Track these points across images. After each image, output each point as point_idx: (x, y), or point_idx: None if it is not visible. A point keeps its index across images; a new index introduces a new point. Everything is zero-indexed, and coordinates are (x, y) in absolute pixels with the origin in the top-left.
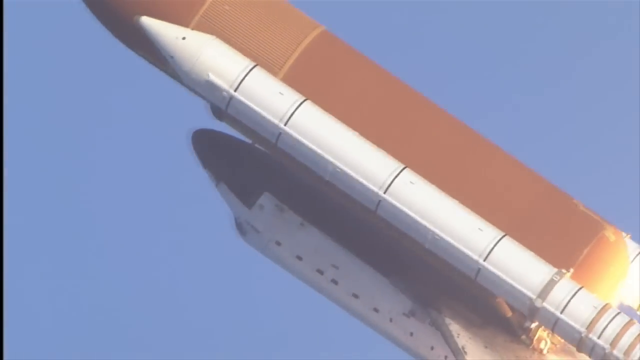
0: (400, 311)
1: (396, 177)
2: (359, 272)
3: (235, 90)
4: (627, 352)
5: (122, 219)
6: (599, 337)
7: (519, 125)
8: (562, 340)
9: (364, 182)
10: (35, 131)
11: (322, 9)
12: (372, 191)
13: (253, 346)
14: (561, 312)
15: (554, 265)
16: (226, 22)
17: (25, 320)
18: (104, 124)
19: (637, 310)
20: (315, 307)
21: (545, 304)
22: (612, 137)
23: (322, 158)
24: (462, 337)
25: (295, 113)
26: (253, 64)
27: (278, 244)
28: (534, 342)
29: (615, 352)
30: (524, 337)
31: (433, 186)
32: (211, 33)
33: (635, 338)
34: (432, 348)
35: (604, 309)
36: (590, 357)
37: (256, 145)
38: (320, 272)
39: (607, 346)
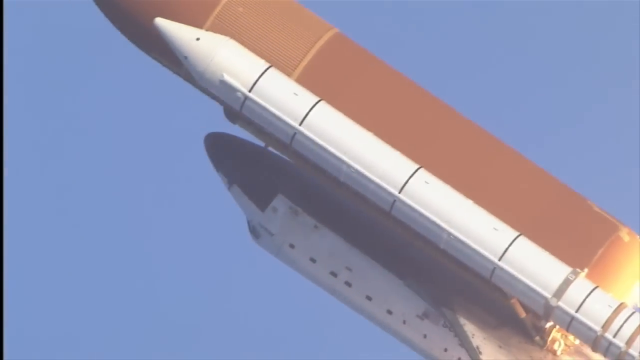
0: (413, 313)
1: (411, 176)
2: (372, 274)
3: (249, 91)
4: None
5: (134, 221)
6: (614, 336)
7: (534, 126)
8: (576, 342)
9: (379, 181)
10: (46, 133)
11: (328, 9)
12: (387, 191)
13: (265, 348)
14: (576, 311)
15: (569, 266)
16: (240, 23)
17: (26, 321)
18: (118, 128)
19: None
20: (328, 310)
21: (560, 303)
22: (629, 139)
23: (337, 158)
24: (476, 337)
25: (310, 113)
26: (268, 64)
27: (292, 246)
28: (548, 343)
29: (631, 350)
30: (537, 338)
31: (448, 186)
32: (225, 34)
33: None
34: (445, 350)
35: (620, 308)
36: (605, 356)
37: (269, 148)
38: (334, 274)
39: (622, 345)
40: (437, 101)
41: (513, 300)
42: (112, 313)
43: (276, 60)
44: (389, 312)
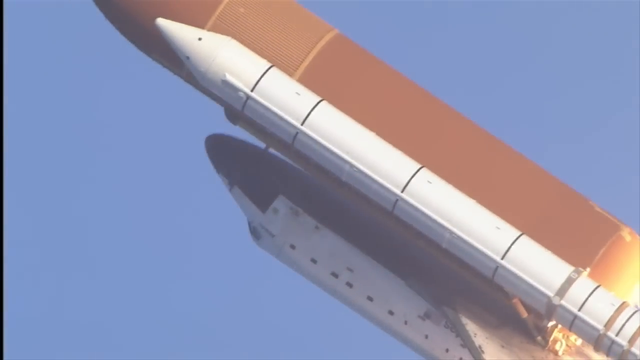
0: (415, 314)
1: (413, 176)
2: (374, 274)
3: (252, 90)
4: None
5: (135, 223)
6: (617, 335)
7: (534, 127)
8: (577, 343)
9: (382, 181)
10: (47, 136)
11: (327, 11)
12: (390, 190)
13: (266, 350)
14: (579, 310)
15: (571, 265)
16: (241, 24)
17: (27, 321)
18: (118, 130)
19: None
20: (329, 311)
21: (563, 302)
22: (630, 139)
23: (339, 158)
24: (479, 336)
25: (312, 113)
26: (269, 64)
27: (293, 247)
28: (550, 343)
29: (633, 349)
30: (539, 338)
31: (450, 185)
32: (226, 35)
33: None
34: (447, 350)
35: (622, 306)
36: (607, 355)
37: (270, 149)
38: (335, 275)
39: (625, 344)
40: (436, 101)
41: (515, 300)
42: (112, 315)
43: (277, 61)
44: (391, 312)
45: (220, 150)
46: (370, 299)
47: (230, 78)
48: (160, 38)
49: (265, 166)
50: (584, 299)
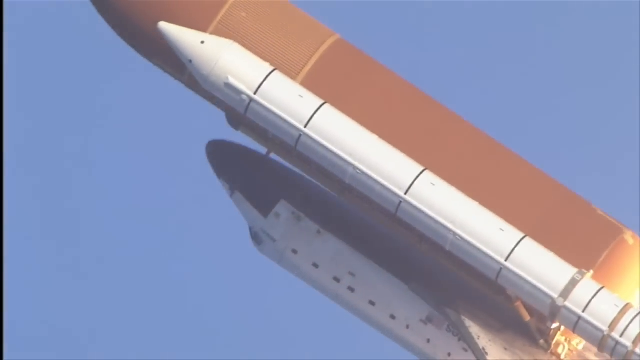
0: (417, 318)
1: (417, 178)
2: (376, 279)
3: (255, 93)
4: None
5: (136, 227)
6: (621, 336)
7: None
8: (579, 348)
9: (385, 183)
10: (47, 138)
11: (328, 16)
12: (393, 192)
13: (267, 354)
14: (583, 311)
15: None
16: (243, 28)
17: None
18: (119, 135)
19: None
20: (331, 316)
21: (567, 303)
22: (630, 140)
23: (343, 160)
24: (482, 339)
25: (316, 115)
26: (272, 67)
27: (294, 252)
28: (552, 346)
29: (638, 350)
30: (542, 341)
31: (453, 187)
32: (229, 38)
33: None
34: (449, 354)
35: (626, 308)
36: (611, 356)
37: (272, 154)
38: (337, 279)
39: (629, 344)
40: (437, 105)
41: (517, 304)
42: (112, 317)
43: (280, 65)
44: (392, 317)
45: (222, 156)
46: (372, 303)
47: (233, 81)
48: (162, 42)
49: (266, 171)
50: (587, 300)
